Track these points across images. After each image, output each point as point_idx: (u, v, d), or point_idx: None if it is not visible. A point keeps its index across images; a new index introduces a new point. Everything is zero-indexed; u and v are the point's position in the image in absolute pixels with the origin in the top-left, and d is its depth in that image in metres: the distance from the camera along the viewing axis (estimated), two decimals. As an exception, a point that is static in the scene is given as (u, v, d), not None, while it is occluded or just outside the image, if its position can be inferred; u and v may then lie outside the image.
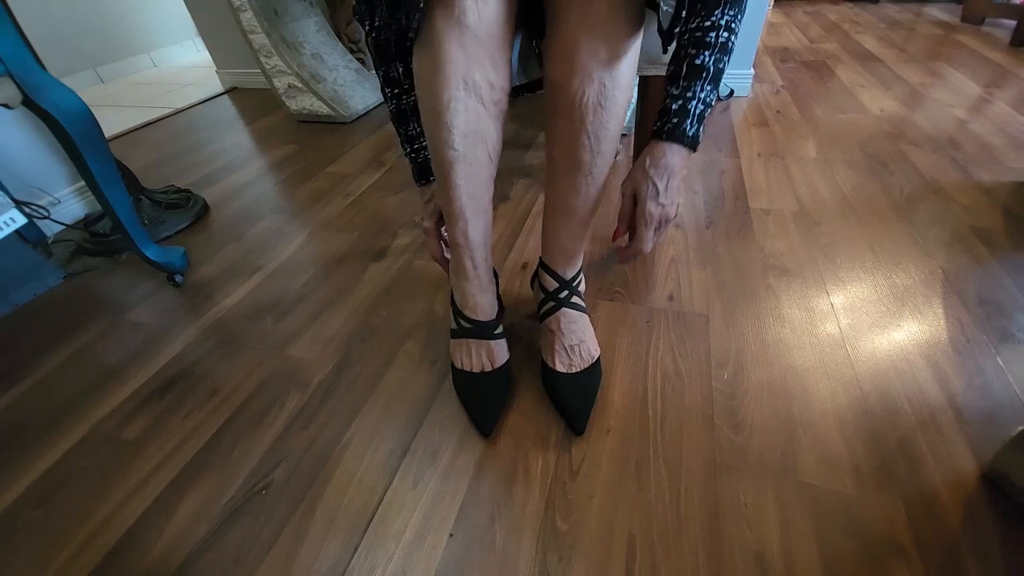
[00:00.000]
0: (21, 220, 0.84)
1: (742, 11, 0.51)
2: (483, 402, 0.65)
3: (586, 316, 0.71)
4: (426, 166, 0.68)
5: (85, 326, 0.91)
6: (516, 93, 0.72)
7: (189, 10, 2.09)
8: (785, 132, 1.39)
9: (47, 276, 1.03)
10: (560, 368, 0.66)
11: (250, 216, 1.23)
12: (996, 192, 1.03)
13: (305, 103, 1.75)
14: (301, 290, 0.95)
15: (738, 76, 1.65)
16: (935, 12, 2.57)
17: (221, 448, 0.66)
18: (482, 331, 0.67)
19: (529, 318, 0.82)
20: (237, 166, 1.53)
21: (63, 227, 1.15)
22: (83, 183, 1.25)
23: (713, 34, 0.50)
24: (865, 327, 0.74)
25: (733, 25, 0.51)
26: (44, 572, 0.55)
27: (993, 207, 0.98)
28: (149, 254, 0.93)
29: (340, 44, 1.84)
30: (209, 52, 2.28)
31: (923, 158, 1.18)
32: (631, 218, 0.61)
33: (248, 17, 1.57)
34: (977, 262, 0.84)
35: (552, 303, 0.69)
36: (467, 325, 0.67)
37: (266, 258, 1.06)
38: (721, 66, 0.53)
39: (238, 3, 1.54)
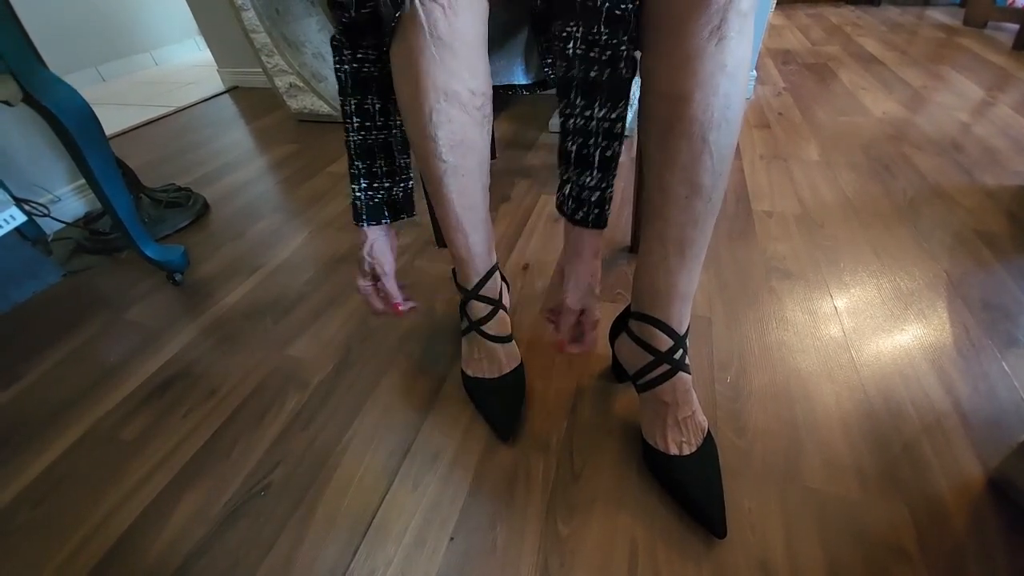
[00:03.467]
0: (21, 218, 0.84)
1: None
2: (501, 407, 0.65)
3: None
4: (380, 206, 0.62)
5: (84, 324, 0.91)
6: (517, 91, 0.72)
7: (191, 9, 2.09)
8: (787, 134, 1.39)
9: (46, 274, 1.02)
10: (673, 450, 0.55)
11: (250, 215, 1.23)
12: (1000, 195, 1.02)
13: (306, 102, 1.74)
14: (301, 289, 0.94)
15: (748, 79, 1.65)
16: (937, 15, 2.57)
17: (220, 448, 0.66)
18: (493, 341, 0.66)
19: (533, 322, 0.81)
20: (238, 165, 1.52)
21: (63, 225, 1.14)
22: (83, 181, 1.24)
23: (620, 124, 0.52)
24: (869, 331, 0.73)
25: (626, 112, 0.52)
26: (41, 572, 0.54)
27: (997, 210, 0.98)
28: (149, 252, 0.93)
29: (342, 44, 1.84)
30: (210, 51, 2.27)
31: (926, 161, 1.18)
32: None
33: (250, 16, 1.57)
34: (981, 266, 0.84)
35: (666, 367, 0.55)
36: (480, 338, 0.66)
37: (266, 257, 1.05)
38: (621, 149, 0.54)
39: (240, 2, 1.54)
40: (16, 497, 0.62)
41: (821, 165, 1.21)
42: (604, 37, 0.47)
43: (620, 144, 0.54)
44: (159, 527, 0.57)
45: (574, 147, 0.54)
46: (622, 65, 0.48)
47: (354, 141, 0.59)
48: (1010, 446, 0.55)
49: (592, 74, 0.49)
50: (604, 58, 0.48)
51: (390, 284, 0.64)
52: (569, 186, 0.56)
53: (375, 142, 0.60)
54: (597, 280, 0.59)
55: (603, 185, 0.55)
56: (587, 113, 0.52)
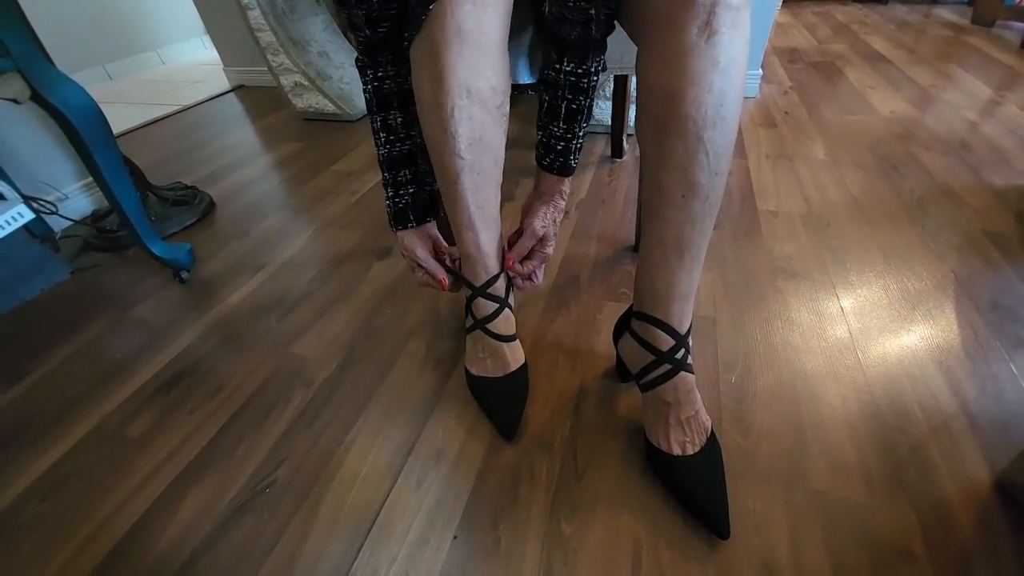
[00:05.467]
0: (28, 215, 0.84)
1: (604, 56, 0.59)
2: (505, 406, 0.65)
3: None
4: (405, 211, 0.65)
5: (91, 322, 0.91)
6: (523, 91, 0.72)
7: (197, 8, 2.10)
8: (793, 133, 1.38)
9: (54, 271, 1.03)
10: (676, 450, 0.55)
11: (255, 213, 1.23)
12: (1008, 196, 1.01)
13: (311, 101, 1.75)
14: (305, 288, 0.94)
15: (746, 76, 1.64)
16: (944, 14, 2.55)
17: (225, 445, 0.66)
18: (498, 340, 0.66)
19: (537, 322, 0.81)
20: (243, 163, 1.53)
21: (70, 223, 1.15)
22: (91, 179, 1.25)
23: (586, 80, 0.58)
24: (876, 331, 0.73)
25: (600, 69, 0.58)
26: (47, 568, 0.55)
27: (1005, 211, 0.97)
28: (155, 250, 0.93)
29: (346, 42, 1.84)
30: (216, 50, 2.28)
31: (934, 160, 1.17)
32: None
33: (255, 15, 1.57)
34: (990, 266, 0.83)
35: (668, 366, 0.55)
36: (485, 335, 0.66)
37: (271, 255, 1.06)
38: (591, 104, 0.61)
39: (245, 1, 1.55)
40: (23, 493, 0.63)
41: (828, 164, 1.20)
42: (575, 1, 0.50)
43: (586, 100, 0.60)
44: (165, 523, 0.58)
45: (547, 98, 0.61)
46: (592, 26, 0.52)
47: (382, 155, 0.63)
48: (1018, 448, 0.55)
49: (563, 32, 0.54)
50: (578, 19, 0.51)
51: (430, 265, 0.68)
52: (541, 133, 0.64)
53: (399, 154, 0.63)
54: (552, 218, 0.67)
55: (568, 136, 0.62)
56: (557, 67, 0.58)
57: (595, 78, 0.58)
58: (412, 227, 0.66)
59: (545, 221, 0.67)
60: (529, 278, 0.68)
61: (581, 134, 0.63)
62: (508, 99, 0.54)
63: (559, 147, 0.63)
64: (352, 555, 0.53)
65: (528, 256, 0.68)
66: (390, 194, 0.65)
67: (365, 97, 0.61)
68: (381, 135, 0.62)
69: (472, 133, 0.51)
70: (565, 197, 0.68)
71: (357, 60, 0.59)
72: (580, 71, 0.57)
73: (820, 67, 1.90)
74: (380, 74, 0.58)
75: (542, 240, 0.68)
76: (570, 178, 0.66)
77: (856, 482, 0.55)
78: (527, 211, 0.69)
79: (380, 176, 1.31)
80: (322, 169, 1.43)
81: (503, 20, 0.49)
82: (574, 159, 0.64)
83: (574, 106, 0.59)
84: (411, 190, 0.65)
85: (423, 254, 0.67)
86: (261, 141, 1.69)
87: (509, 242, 0.69)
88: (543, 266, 0.69)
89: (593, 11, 0.50)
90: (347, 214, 1.18)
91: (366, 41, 0.56)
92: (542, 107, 0.63)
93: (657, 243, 0.52)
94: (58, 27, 2.45)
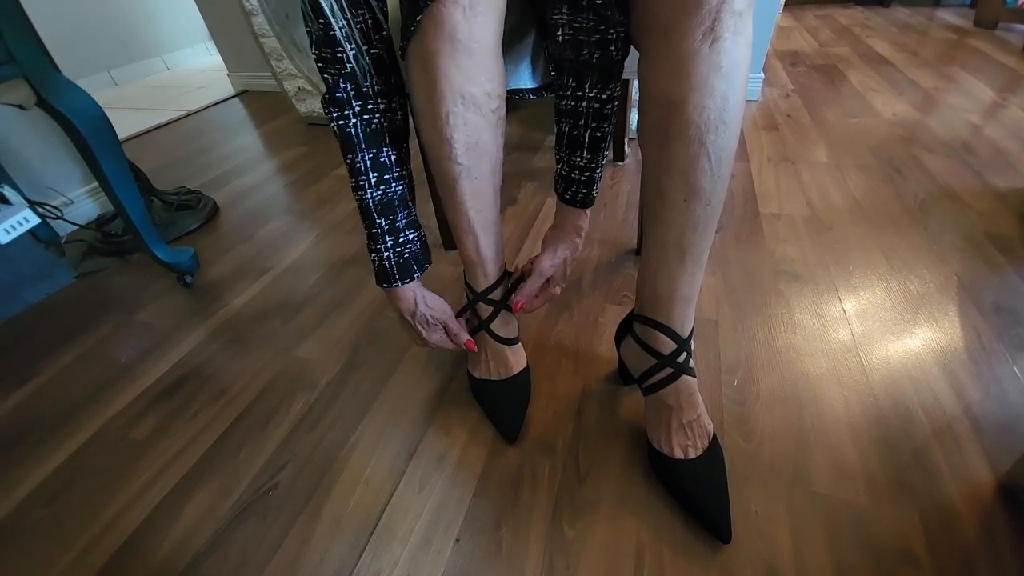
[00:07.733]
0: (34, 220, 0.85)
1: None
2: (506, 408, 0.65)
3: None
4: (409, 262, 0.60)
5: (96, 326, 0.92)
6: (524, 95, 0.72)
7: (202, 14, 2.12)
8: (795, 136, 1.38)
9: (59, 276, 1.04)
10: (678, 453, 0.55)
11: (259, 218, 1.24)
12: (1011, 198, 1.01)
13: (315, 106, 1.76)
14: (309, 291, 0.95)
15: (748, 80, 1.64)
16: (947, 16, 2.55)
17: (228, 448, 0.66)
18: (501, 342, 0.66)
19: (539, 325, 0.81)
20: (247, 168, 1.54)
21: (76, 227, 1.16)
22: (96, 184, 1.26)
23: (610, 106, 0.56)
24: (878, 334, 0.73)
25: (618, 94, 0.57)
26: (51, 571, 0.55)
27: (1009, 213, 0.97)
28: (160, 255, 0.94)
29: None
30: (221, 55, 2.30)
31: (937, 163, 1.17)
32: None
33: (259, 21, 1.59)
34: (993, 269, 0.83)
35: (670, 370, 0.55)
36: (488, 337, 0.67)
37: (275, 259, 1.06)
38: (612, 131, 0.59)
39: (249, 7, 1.56)
40: (28, 496, 0.63)
41: (830, 167, 1.20)
42: (591, 23, 0.49)
43: (610, 126, 0.58)
44: (168, 526, 0.58)
45: (566, 128, 0.59)
46: (612, 48, 0.51)
47: (374, 198, 0.56)
48: (1021, 451, 0.54)
49: (583, 56, 0.52)
50: (593, 40, 0.50)
51: (457, 323, 0.65)
52: (561, 165, 0.62)
53: (396, 194, 0.57)
54: (564, 256, 0.66)
55: (592, 166, 0.60)
56: (578, 94, 0.56)
57: (616, 103, 0.57)
58: (417, 277, 0.61)
59: (555, 260, 0.66)
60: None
61: (603, 162, 0.61)
62: (504, 103, 0.54)
63: (583, 178, 0.61)
64: (355, 558, 0.53)
65: (536, 295, 0.68)
66: (389, 243, 0.57)
67: (347, 134, 0.52)
68: (372, 175, 0.54)
69: (468, 139, 0.51)
70: (582, 235, 0.66)
71: (324, 98, 0.52)
72: (604, 96, 0.55)
73: (822, 70, 1.90)
74: (371, 107, 0.53)
75: (550, 280, 0.67)
76: (590, 210, 0.64)
77: (859, 485, 0.55)
78: (543, 245, 0.68)
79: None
80: (325, 174, 1.44)
81: (496, 25, 0.49)
82: (595, 189, 0.62)
83: (598, 134, 0.57)
84: (411, 235, 0.59)
85: (447, 307, 0.65)
86: (265, 146, 1.70)
87: (521, 275, 0.68)
88: (545, 304, 0.69)
89: (612, 33, 0.49)
90: (350, 218, 1.19)
91: (345, 73, 0.51)
92: (561, 137, 0.60)
93: (658, 247, 0.52)
94: (63, 33, 2.48)
